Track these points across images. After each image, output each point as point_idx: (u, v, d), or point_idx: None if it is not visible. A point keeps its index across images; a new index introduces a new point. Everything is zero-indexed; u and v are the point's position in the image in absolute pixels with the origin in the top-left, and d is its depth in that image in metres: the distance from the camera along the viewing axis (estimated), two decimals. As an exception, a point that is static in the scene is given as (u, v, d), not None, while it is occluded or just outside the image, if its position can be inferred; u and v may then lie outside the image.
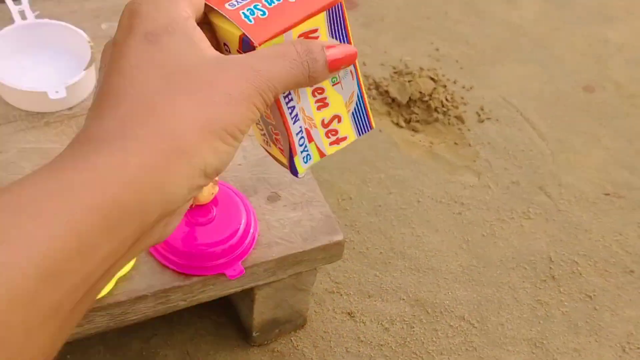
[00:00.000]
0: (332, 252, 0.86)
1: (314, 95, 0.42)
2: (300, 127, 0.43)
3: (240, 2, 0.37)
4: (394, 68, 1.44)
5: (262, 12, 0.36)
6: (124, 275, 0.75)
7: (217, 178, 0.80)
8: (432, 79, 1.41)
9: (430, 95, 1.36)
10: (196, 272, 0.78)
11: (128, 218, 0.27)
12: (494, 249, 1.15)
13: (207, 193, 0.80)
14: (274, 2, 0.37)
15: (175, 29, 0.31)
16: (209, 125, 0.30)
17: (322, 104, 0.44)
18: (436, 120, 1.34)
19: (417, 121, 1.33)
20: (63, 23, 0.92)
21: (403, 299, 1.05)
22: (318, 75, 0.35)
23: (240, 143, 0.33)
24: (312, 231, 0.84)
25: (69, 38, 0.92)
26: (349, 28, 0.39)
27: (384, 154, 1.26)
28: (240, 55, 0.33)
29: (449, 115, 1.36)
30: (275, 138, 0.43)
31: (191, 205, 0.81)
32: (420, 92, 1.35)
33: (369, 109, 0.48)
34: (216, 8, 0.36)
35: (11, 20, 0.92)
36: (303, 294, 0.92)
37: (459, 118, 1.36)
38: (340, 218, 1.13)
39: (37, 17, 0.93)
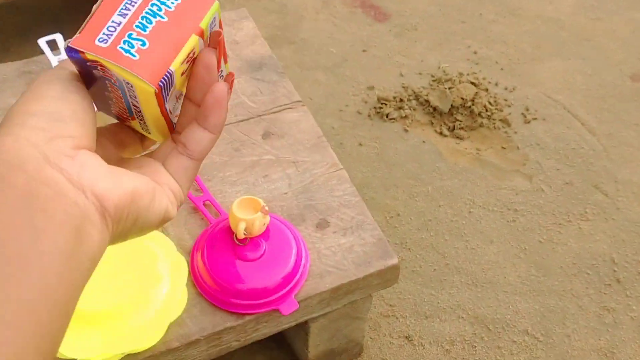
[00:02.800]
0: (387, 276, 0.83)
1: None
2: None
3: (111, 34, 0.34)
4: (433, 76, 1.40)
5: (141, 42, 0.34)
6: (175, 320, 0.73)
7: (267, 208, 0.78)
8: (472, 83, 1.37)
9: (472, 100, 1.32)
10: (249, 309, 0.76)
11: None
12: (553, 255, 1.11)
13: (260, 224, 0.78)
14: (147, 27, 0.34)
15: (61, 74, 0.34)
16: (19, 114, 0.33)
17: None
18: (481, 125, 1.30)
19: (462, 128, 1.29)
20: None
21: (462, 317, 1.01)
22: None
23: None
24: (364, 256, 0.82)
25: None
26: (222, 26, 0.38)
27: (429, 165, 1.23)
28: None
29: (494, 119, 1.32)
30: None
31: (242, 240, 0.80)
32: (462, 98, 1.32)
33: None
34: (87, 51, 0.33)
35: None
36: (359, 322, 0.90)
37: (505, 121, 1.32)
38: (390, 236, 1.10)
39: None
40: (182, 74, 0.36)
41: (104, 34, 0.34)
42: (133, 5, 0.34)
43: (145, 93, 0.34)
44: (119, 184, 0.31)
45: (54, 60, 0.95)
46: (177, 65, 0.34)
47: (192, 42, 0.35)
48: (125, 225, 0.32)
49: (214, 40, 0.36)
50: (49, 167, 0.29)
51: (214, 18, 0.36)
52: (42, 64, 1.00)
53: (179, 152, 0.37)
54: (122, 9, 0.34)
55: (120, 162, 0.36)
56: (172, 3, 0.35)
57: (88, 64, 0.34)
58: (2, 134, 0.30)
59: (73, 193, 0.29)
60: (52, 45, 0.97)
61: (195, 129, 0.36)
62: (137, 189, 0.32)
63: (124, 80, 0.34)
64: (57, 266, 0.28)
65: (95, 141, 0.33)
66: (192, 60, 0.36)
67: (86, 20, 0.34)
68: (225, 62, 0.40)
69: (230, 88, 0.37)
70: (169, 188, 0.36)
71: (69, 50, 0.33)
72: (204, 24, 0.35)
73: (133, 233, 0.34)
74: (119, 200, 0.31)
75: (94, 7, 0.35)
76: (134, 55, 0.33)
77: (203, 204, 0.85)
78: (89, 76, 0.35)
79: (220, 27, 0.37)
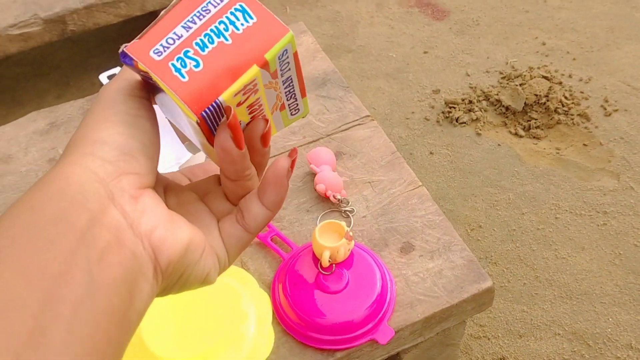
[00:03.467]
0: (482, 300, 0.77)
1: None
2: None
3: (168, 47, 0.31)
4: (501, 73, 1.33)
5: (195, 63, 0.31)
6: (265, 362, 0.70)
7: (351, 233, 0.74)
8: (545, 77, 1.29)
9: (546, 96, 1.25)
10: (342, 344, 0.72)
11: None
12: (652, 259, 1.03)
13: (344, 250, 0.74)
14: (207, 47, 0.31)
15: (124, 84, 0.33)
16: (88, 136, 0.31)
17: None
18: (558, 122, 1.23)
19: (538, 127, 1.22)
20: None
21: (559, 334, 0.95)
22: None
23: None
24: (456, 281, 0.77)
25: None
26: (299, 62, 0.34)
27: (508, 170, 1.16)
28: None
29: (572, 115, 1.24)
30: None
31: (327, 269, 0.76)
32: (536, 95, 1.24)
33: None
34: (139, 61, 0.30)
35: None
36: (452, 349, 0.84)
37: (583, 115, 1.24)
38: (474, 251, 1.04)
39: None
40: (239, 104, 0.32)
41: (161, 45, 0.31)
42: (200, 19, 0.31)
43: (188, 119, 0.31)
44: (175, 234, 0.30)
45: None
46: (228, 96, 0.30)
47: (252, 73, 0.31)
48: (172, 280, 0.31)
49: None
50: (113, 208, 0.28)
51: (286, 50, 0.32)
52: (105, 98, 0.98)
53: (235, 221, 0.34)
54: (188, 20, 0.31)
55: (174, 196, 0.35)
56: (242, 25, 0.31)
57: (141, 73, 0.31)
58: (69, 162, 0.28)
59: (131, 242, 0.28)
60: (114, 79, 0.96)
61: (254, 202, 0.34)
62: (191, 242, 0.31)
63: (170, 99, 0.31)
64: (107, 327, 0.26)
65: (156, 174, 0.32)
66: (255, 92, 0.32)
67: (150, 25, 0.31)
68: (303, 95, 0.36)
69: (293, 164, 0.34)
70: (216, 252, 0.33)
71: (123, 55, 0.31)
72: (270, 55, 0.31)
73: (174, 290, 0.32)
74: (173, 253, 0.30)
75: (163, 11, 0.31)
76: (183, 76, 0.30)
77: (271, 240, 0.81)
78: (151, 85, 0.32)
79: (297, 61, 0.33)
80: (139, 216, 0.29)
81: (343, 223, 0.74)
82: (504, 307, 0.97)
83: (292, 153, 0.35)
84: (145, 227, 0.29)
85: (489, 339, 0.94)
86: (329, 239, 0.74)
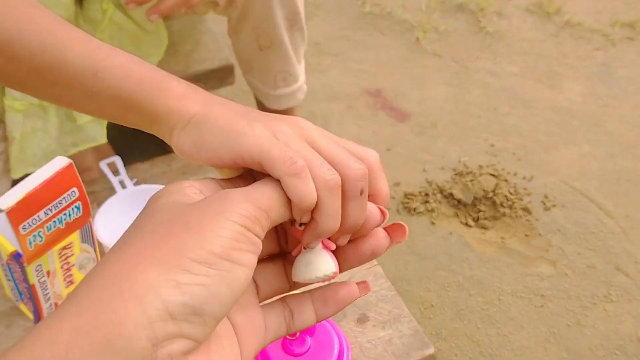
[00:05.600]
0: (425, 366, 0.89)
1: (65, 280, 0.65)
2: (50, 304, 0.66)
3: (30, 226, 0.53)
4: (454, 170, 1.50)
5: (40, 239, 0.55)
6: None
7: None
8: (492, 175, 1.47)
9: (493, 191, 1.41)
10: (301, 402, 0.83)
11: None
12: (582, 338, 1.16)
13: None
14: (51, 229, 0.55)
15: (174, 190, 0.31)
16: (164, 258, 0.26)
17: (70, 283, 0.68)
18: (504, 214, 1.39)
19: (486, 218, 1.38)
20: (158, 186, 1.03)
21: (500, 402, 1.06)
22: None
23: (223, 269, 0.27)
24: (403, 348, 0.89)
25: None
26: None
27: (458, 255, 1.31)
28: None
29: (515, 208, 1.40)
30: (26, 301, 0.66)
31: (292, 335, 0.87)
32: (484, 190, 1.41)
33: None
34: (12, 225, 0.51)
35: (113, 191, 1.04)
36: (402, 410, 0.95)
37: (526, 209, 1.41)
38: (426, 327, 1.17)
39: (135, 184, 1.05)
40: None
41: (29, 222, 0.54)
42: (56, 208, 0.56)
43: None
44: None
45: (114, 180, 1.06)
46: (55, 252, 0.61)
47: (72, 236, 0.62)
48: None
49: None
50: None
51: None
52: (103, 184, 1.11)
53: (283, 319, 0.35)
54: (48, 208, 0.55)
55: None
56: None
57: None
58: (130, 296, 0.25)
59: None
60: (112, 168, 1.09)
61: (308, 307, 0.35)
62: None
63: None
64: None
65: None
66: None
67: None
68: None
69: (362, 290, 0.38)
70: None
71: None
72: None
73: None
74: None
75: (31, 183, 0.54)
76: (31, 247, 0.57)
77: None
78: None
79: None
80: None
81: (307, 295, 0.87)
82: (451, 377, 1.09)
83: (365, 288, 0.38)
84: None
85: (437, 406, 1.05)
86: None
